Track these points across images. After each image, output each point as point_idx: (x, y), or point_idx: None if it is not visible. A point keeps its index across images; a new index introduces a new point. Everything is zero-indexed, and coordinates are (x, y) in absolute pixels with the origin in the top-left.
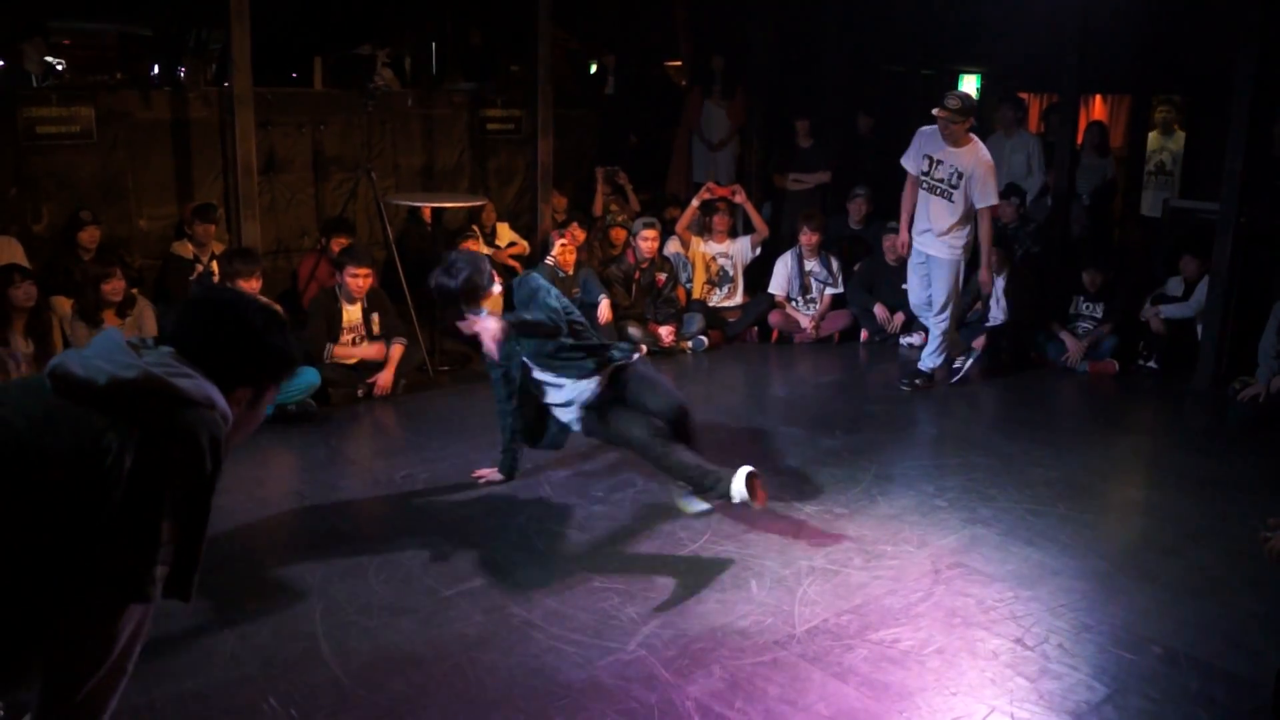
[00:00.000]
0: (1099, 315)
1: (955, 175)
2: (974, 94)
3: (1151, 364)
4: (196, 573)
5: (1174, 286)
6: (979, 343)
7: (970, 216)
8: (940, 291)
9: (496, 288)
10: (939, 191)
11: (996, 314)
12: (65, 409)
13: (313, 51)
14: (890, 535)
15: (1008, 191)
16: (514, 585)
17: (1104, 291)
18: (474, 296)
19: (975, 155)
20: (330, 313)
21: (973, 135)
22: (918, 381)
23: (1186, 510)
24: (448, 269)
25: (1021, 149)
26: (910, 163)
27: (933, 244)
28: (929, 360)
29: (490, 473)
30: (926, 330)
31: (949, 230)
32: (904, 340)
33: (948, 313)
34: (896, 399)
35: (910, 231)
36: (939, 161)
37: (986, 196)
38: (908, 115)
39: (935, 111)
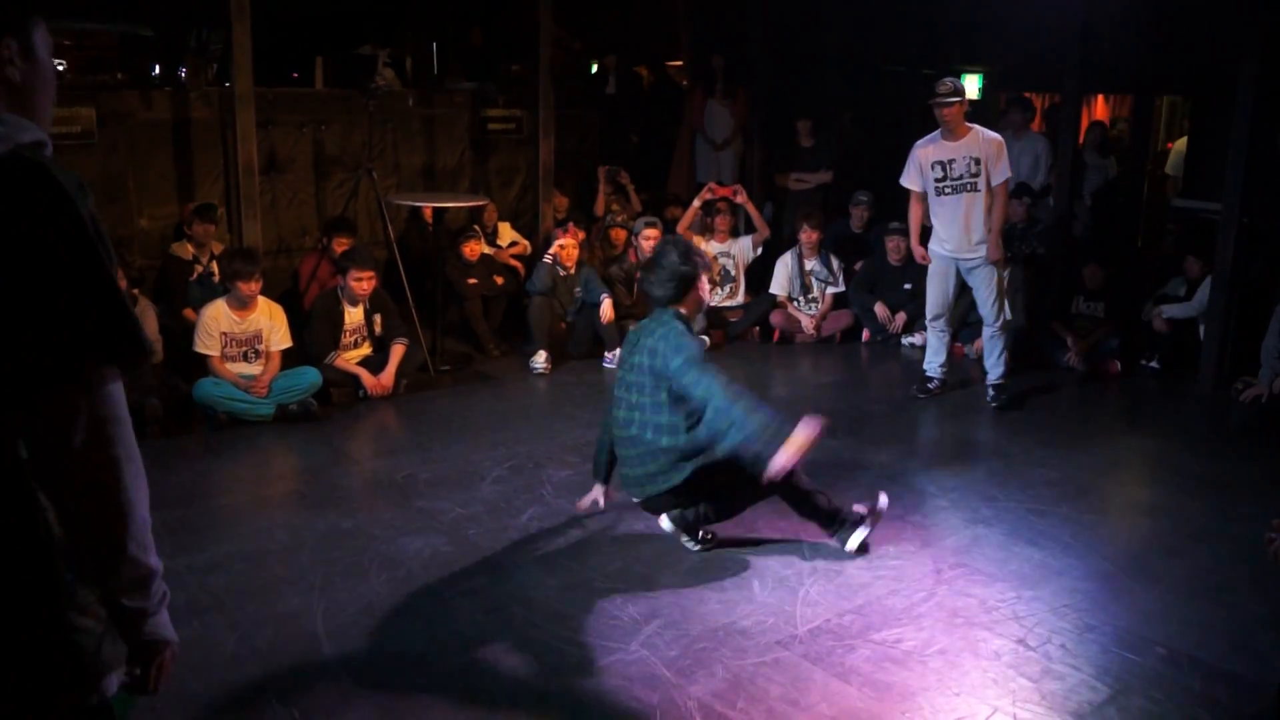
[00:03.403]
0: (1100, 314)
1: (973, 163)
2: (977, 93)
3: (1154, 364)
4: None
5: (1176, 286)
6: (980, 344)
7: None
8: (989, 297)
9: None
10: (966, 188)
11: None
12: None
13: (314, 51)
14: (892, 535)
15: (1018, 191)
16: (515, 585)
17: (1104, 290)
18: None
19: (981, 137)
20: (333, 315)
21: (970, 123)
22: (1000, 398)
23: (1189, 511)
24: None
25: (1030, 151)
26: (912, 180)
27: (972, 249)
28: (997, 370)
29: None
30: (926, 330)
31: (985, 222)
32: (905, 340)
33: (1003, 313)
34: (898, 399)
35: (925, 244)
36: (950, 161)
37: (1001, 171)
38: (906, 114)
39: (931, 102)
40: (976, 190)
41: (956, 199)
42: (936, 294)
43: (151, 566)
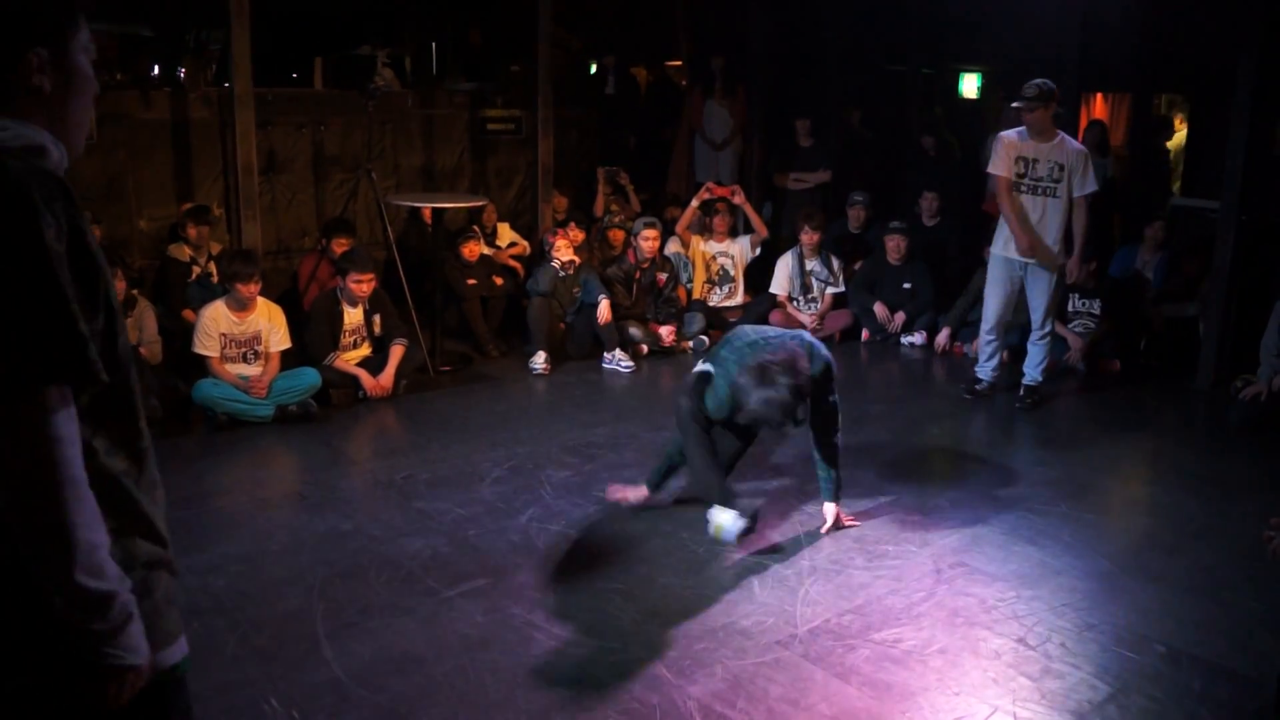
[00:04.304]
0: (1095, 312)
1: (1057, 169)
2: (976, 92)
3: (1153, 362)
4: (81, 348)
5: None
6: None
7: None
8: (1043, 303)
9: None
10: (1042, 190)
11: None
12: None
13: (313, 52)
14: (892, 535)
15: None
16: (515, 586)
17: (1098, 288)
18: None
19: (1069, 145)
20: (332, 316)
21: (1059, 129)
22: (1030, 400)
23: (1189, 509)
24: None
25: None
26: (1000, 167)
27: (1039, 250)
28: (1034, 375)
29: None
30: (927, 330)
31: (1059, 230)
32: (905, 340)
33: (1051, 320)
34: (897, 399)
35: (995, 244)
36: (1034, 160)
37: (1088, 184)
38: (906, 114)
39: (1015, 104)
40: (1056, 197)
41: (1032, 200)
42: (997, 304)
43: (105, 591)
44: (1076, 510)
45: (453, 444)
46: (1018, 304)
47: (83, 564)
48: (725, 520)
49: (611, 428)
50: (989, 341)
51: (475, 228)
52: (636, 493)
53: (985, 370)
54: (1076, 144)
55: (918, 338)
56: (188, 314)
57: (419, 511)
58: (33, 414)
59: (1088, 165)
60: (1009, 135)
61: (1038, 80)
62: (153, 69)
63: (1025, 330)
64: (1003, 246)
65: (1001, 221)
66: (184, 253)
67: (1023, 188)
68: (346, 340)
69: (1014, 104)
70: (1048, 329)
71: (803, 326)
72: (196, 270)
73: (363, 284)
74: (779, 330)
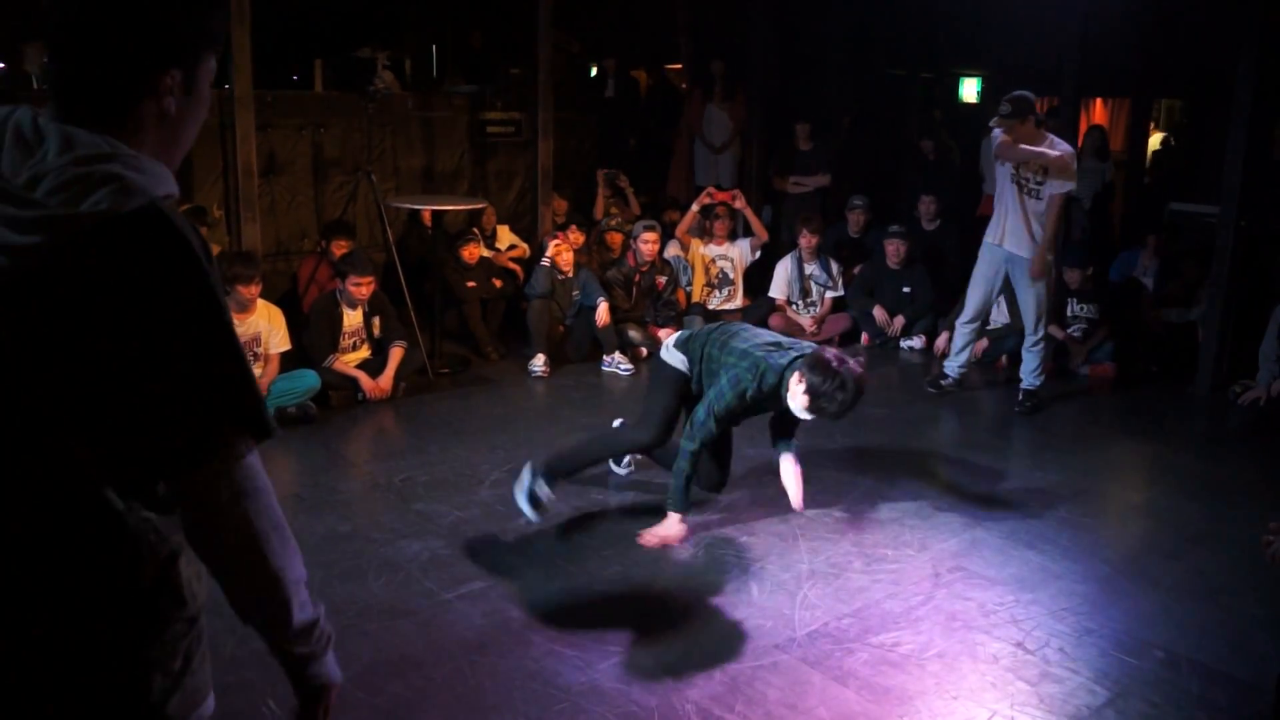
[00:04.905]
0: (1094, 316)
1: (1041, 170)
2: (975, 97)
3: (1152, 367)
4: (260, 401)
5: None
6: (980, 346)
7: None
8: (1033, 304)
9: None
10: (1028, 191)
11: (997, 317)
12: None
13: (313, 54)
14: (890, 539)
15: None
16: (513, 588)
17: (1093, 292)
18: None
19: (1056, 148)
20: (331, 318)
21: (1046, 132)
22: (1029, 404)
23: (1188, 514)
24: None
25: None
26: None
27: (1027, 246)
28: (1033, 378)
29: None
30: (927, 334)
31: (1044, 232)
32: (904, 344)
33: (1043, 325)
34: (897, 402)
35: (989, 233)
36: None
37: (1063, 184)
38: (906, 118)
39: (991, 124)
40: (1039, 198)
41: (1024, 195)
42: (979, 296)
43: (310, 619)
44: (1075, 515)
45: (451, 446)
46: (1014, 309)
47: (296, 600)
48: (526, 497)
49: None
50: (964, 333)
51: (475, 230)
52: (675, 528)
53: (953, 366)
54: (1064, 146)
55: (917, 341)
56: None
57: (417, 514)
58: (232, 471)
59: (1064, 167)
60: (999, 132)
61: (1011, 95)
62: None
63: (1023, 335)
64: (992, 234)
65: (995, 216)
66: None
67: (1018, 180)
68: (346, 342)
69: (990, 124)
70: (1041, 334)
71: (802, 329)
72: None
73: (362, 286)
74: (744, 328)
